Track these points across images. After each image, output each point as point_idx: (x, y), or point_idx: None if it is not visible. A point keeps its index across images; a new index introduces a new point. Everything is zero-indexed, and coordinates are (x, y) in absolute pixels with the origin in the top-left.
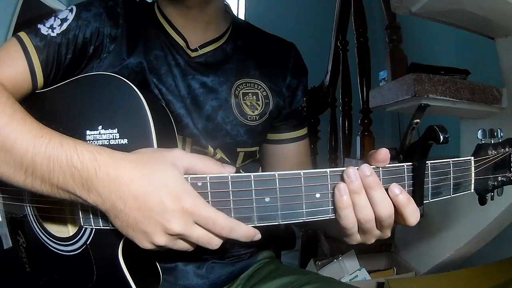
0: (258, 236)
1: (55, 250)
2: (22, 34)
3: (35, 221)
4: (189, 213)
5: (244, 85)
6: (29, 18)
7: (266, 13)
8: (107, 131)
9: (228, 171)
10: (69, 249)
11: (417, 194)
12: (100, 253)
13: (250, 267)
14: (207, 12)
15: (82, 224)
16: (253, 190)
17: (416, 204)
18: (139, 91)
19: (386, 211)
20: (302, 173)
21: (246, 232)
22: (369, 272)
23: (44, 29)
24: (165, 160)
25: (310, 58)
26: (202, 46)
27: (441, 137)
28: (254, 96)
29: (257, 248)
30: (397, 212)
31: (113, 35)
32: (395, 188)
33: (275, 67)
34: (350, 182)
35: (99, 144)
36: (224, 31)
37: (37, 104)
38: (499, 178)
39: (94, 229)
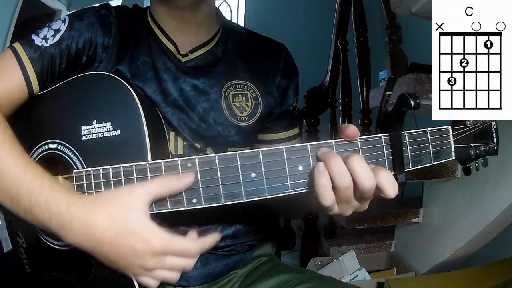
0: (217, 237)
1: (53, 246)
2: (17, 46)
3: None
4: (159, 253)
5: (234, 87)
6: (29, 18)
7: (266, 14)
8: (101, 125)
9: (186, 180)
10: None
11: (397, 162)
12: None
13: (247, 264)
14: (199, 14)
15: None
16: (239, 166)
17: (397, 172)
18: (128, 84)
19: (369, 182)
20: (284, 148)
21: (213, 240)
22: (369, 272)
23: (38, 40)
24: (131, 204)
25: (310, 58)
26: (192, 51)
27: (412, 102)
28: (244, 98)
29: (256, 240)
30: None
31: (106, 45)
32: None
33: (265, 68)
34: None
35: (94, 138)
36: (214, 34)
37: (35, 106)
38: (481, 148)
39: None
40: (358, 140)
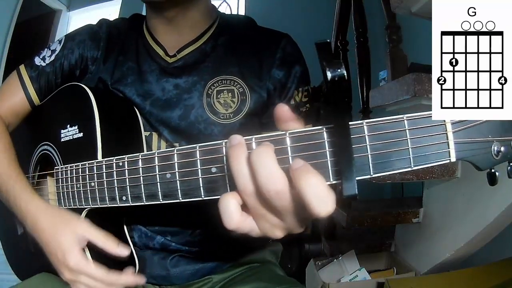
0: (142, 280)
1: None
2: (21, 67)
3: None
4: (72, 270)
5: (220, 83)
6: (29, 18)
7: (266, 13)
8: (72, 128)
9: (119, 251)
10: None
11: (342, 166)
12: None
13: (228, 270)
14: (187, 19)
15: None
16: (157, 166)
17: (342, 181)
18: (91, 92)
19: (274, 185)
20: (197, 147)
21: (125, 281)
22: (369, 272)
23: (37, 61)
24: (68, 225)
25: (310, 58)
26: (179, 50)
27: (329, 73)
28: (230, 93)
29: (244, 247)
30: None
31: (95, 57)
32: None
33: (259, 61)
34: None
35: (67, 139)
36: (204, 31)
37: (36, 115)
38: None
39: None
40: (287, 135)
